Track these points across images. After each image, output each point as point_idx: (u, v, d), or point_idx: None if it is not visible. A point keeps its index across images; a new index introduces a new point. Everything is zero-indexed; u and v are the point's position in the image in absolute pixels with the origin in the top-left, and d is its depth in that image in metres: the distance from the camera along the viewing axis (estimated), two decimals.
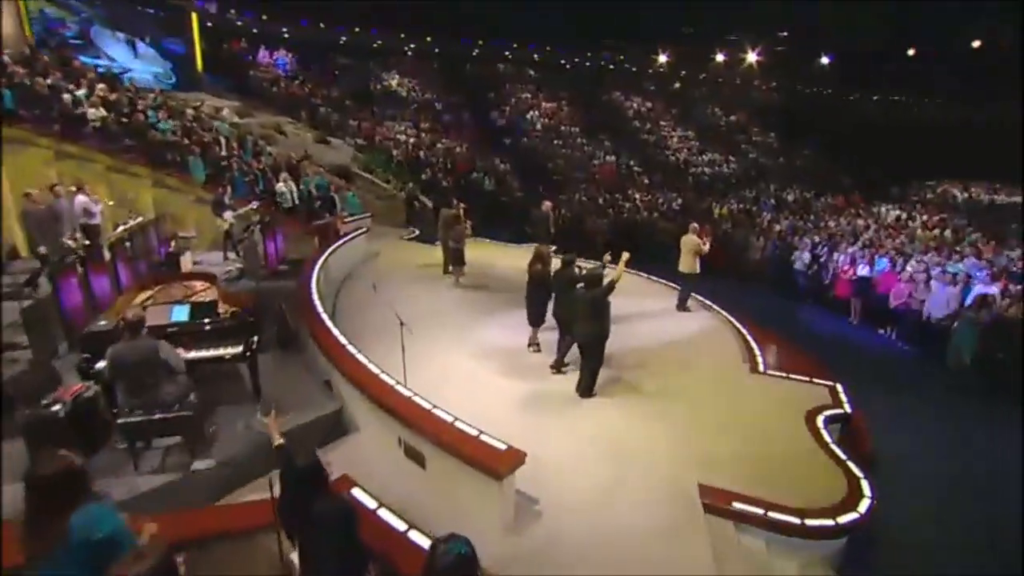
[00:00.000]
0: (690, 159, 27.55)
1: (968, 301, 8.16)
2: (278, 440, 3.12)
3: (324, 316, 5.94)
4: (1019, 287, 8.46)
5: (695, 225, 8.67)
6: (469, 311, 8.10)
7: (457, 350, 6.54)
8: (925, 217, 16.05)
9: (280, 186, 11.46)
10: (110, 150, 10.33)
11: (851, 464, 4.43)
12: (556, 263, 6.62)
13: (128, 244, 7.19)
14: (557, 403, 5.42)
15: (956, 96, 32.85)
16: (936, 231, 13.69)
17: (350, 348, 5.13)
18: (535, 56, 34.21)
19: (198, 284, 5.81)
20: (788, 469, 4.42)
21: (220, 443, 4.23)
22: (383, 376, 4.56)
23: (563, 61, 34.82)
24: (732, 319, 8.02)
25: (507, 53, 33.36)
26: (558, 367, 6.02)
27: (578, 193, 19.37)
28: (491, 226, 15.28)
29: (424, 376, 5.27)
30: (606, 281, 5.38)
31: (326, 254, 8.58)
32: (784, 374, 6.15)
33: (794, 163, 30.20)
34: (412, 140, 21.54)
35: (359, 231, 10.90)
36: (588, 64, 34.88)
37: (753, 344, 6.97)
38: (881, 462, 5.09)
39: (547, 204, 10.89)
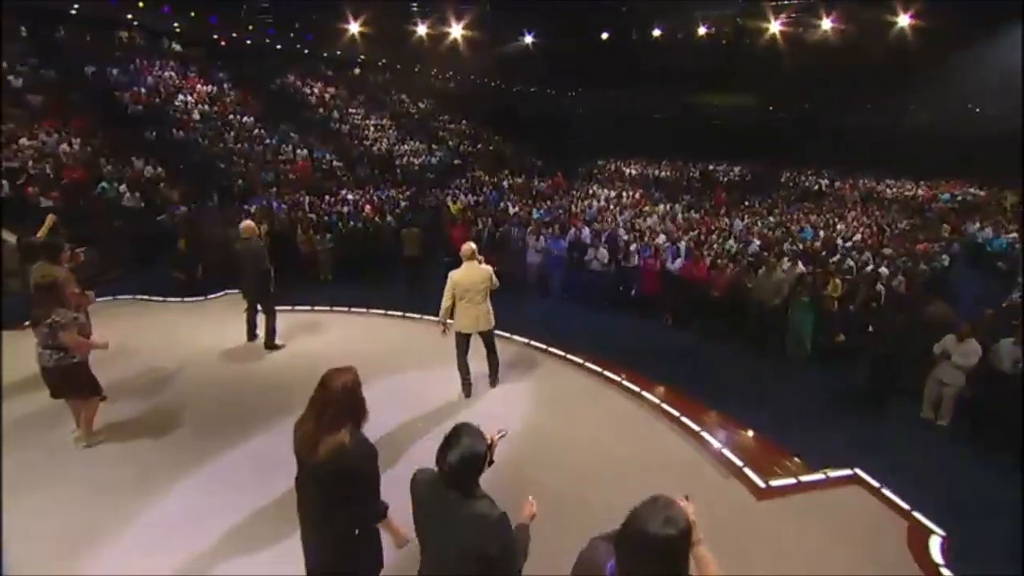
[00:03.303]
0: (392, 149, 24.97)
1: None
2: None
3: None
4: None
5: (472, 246, 5.75)
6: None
7: None
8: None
9: None
10: None
11: None
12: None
13: None
14: None
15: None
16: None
17: None
18: (176, 26, 26.44)
19: None
20: None
21: None
22: None
23: (215, 35, 27.92)
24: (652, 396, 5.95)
25: (130, 16, 24.83)
26: None
27: (274, 200, 14.70)
28: (142, 268, 9.93)
29: None
30: None
31: None
32: (794, 479, 4.16)
33: (489, 149, 30.60)
34: None
35: None
36: (249, 42, 28.82)
37: (711, 439, 5.11)
38: None
39: (248, 223, 6.65)
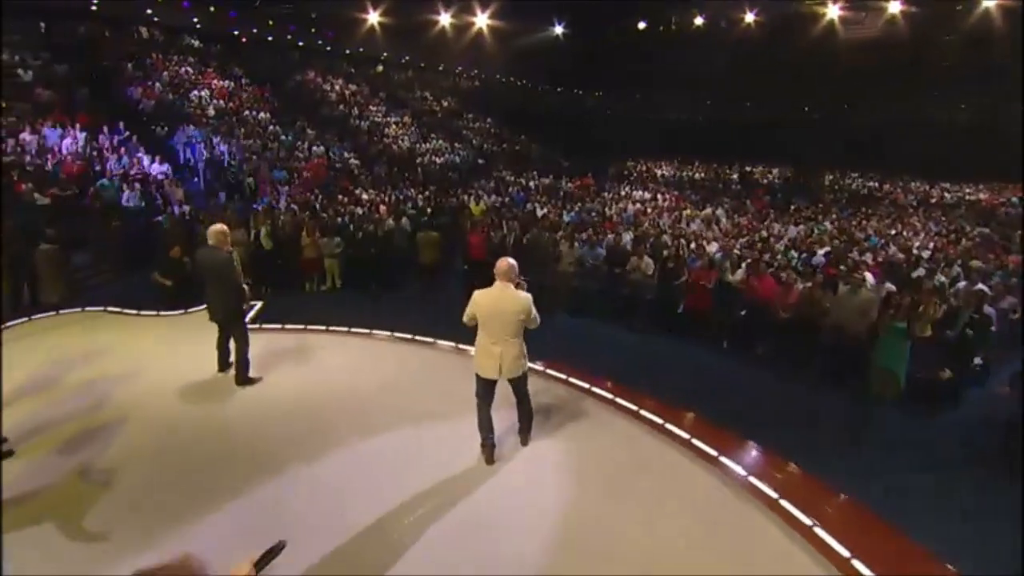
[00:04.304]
0: (414, 147, 23.90)
1: None
2: None
3: None
4: None
5: (512, 262, 4.29)
6: None
7: None
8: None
9: None
10: None
11: None
12: None
13: None
14: None
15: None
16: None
17: None
18: (195, 21, 25.84)
19: None
20: None
21: None
22: None
23: (234, 31, 27.25)
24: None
25: (149, 11, 24.28)
26: None
27: (284, 199, 13.67)
28: (133, 272, 8.92)
29: None
30: None
31: None
32: None
33: (515, 149, 29.40)
34: None
35: None
36: (270, 39, 28.09)
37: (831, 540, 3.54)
38: None
39: (217, 227, 5.13)
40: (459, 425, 4.38)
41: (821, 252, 9.97)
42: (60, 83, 17.32)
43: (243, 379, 4.94)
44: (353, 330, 6.32)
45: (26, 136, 13.71)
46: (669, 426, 4.59)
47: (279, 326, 6.36)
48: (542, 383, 4.49)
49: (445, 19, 22.95)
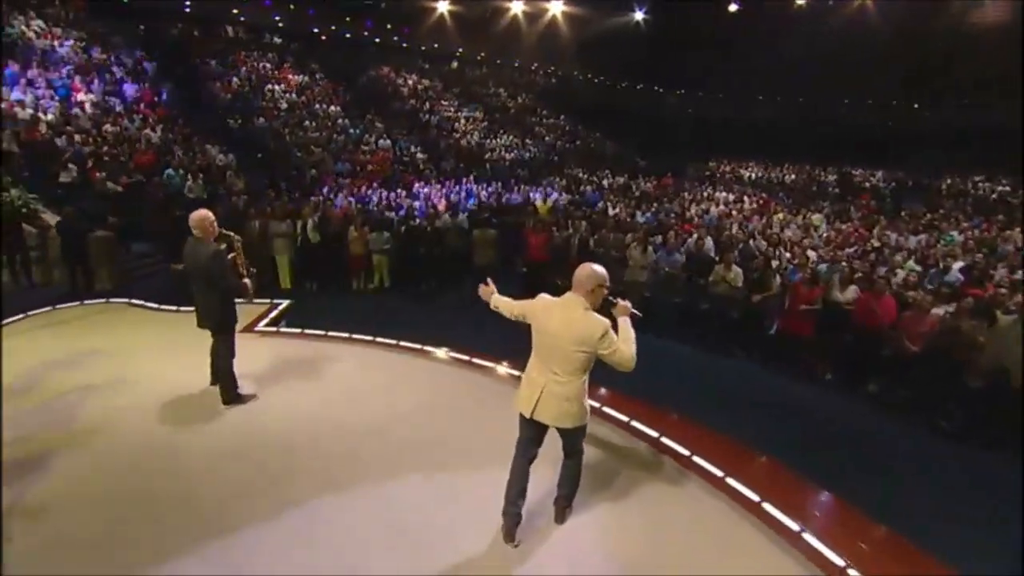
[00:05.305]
0: (483, 142, 23.19)
1: None
2: None
3: None
4: None
5: (596, 269, 3.04)
6: None
7: None
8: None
9: None
10: None
11: None
12: None
13: None
14: None
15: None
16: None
17: None
18: (278, 21, 26.55)
19: None
20: None
21: None
22: None
23: (315, 29, 27.77)
24: None
25: (236, 11, 25.16)
26: None
27: (339, 191, 13.22)
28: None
29: None
30: None
31: None
32: None
33: (589, 146, 28.09)
34: (48, 116, 13.01)
35: None
36: (347, 35, 28.43)
37: None
38: None
39: (201, 214, 4.14)
40: (484, 480, 3.34)
41: (956, 267, 8.12)
42: (149, 79, 18.00)
43: (230, 397, 4.11)
44: (378, 340, 5.42)
45: (108, 127, 14.12)
46: (769, 507, 3.29)
47: (298, 330, 5.61)
48: (593, 424, 3.36)
49: (517, 7, 22.01)
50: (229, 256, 4.20)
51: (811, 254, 8.99)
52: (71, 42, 16.57)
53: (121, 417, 3.95)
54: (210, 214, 4.05)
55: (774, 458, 3.93)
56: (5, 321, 5.83)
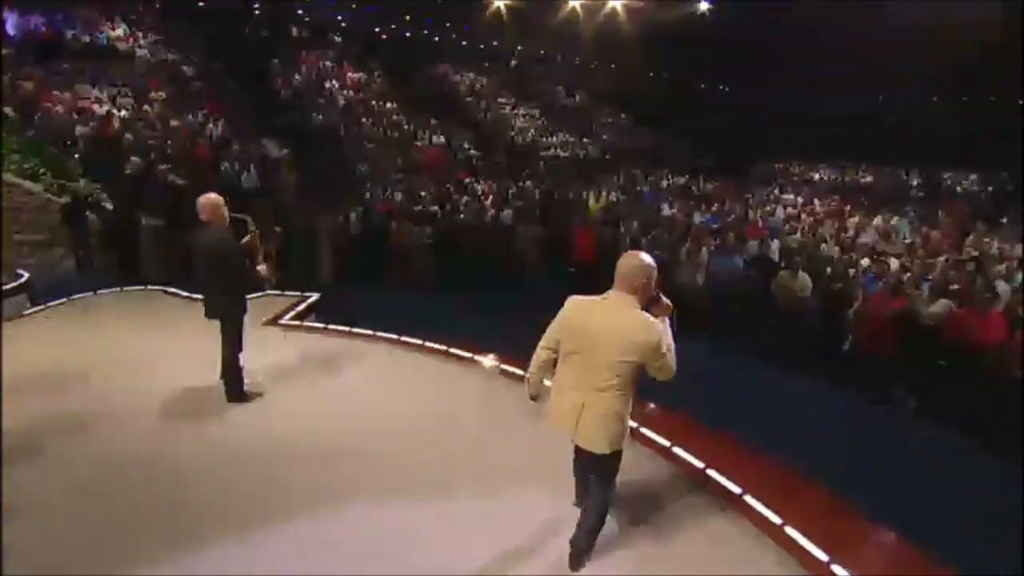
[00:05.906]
0: (538, 140, 22.78)
1: None
2: None
3: None
4: None
5: (646, 260, 2.56)
6: None
7: None
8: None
9: None
10: None
11: None
12: None
13: None
14: None
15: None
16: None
17: None
18: (340, 20, 27.22)
19: None
20: None
21: None
22: None
23: (376, 28, 28.26)
24: None
25: (301, 12, 25.98)
26: None
27: (390, 188, 13.15)
28: None
29: None
30: None
31: None
32: None
33: (648, 145, 27.10)
34: (121, 113, 13.61)
35: None
36: (407, 34, 28.76)
37: None
38: None
39: (209, 197, 3.90)
40: (521, 503, 2.88)
41: None
42: (214, 78, 18.73)
43: (235, 394, 3.85)
44: (403, 339, 5.08)
45: (174, 122, 14.69)
46: (838, 570, 2.63)
47: (322, 325, 5.36)
48: (630, 452, 2.83)
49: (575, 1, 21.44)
50: (242, 242, 3.97)
51: (893, 262, 7.99)
52: (148, 43, 17.48)
53: (117, 411, 3.77)
54: (219, 198, 3.82)
55: (841, 501, 3.26)
56: (48, 304, 5.95)
